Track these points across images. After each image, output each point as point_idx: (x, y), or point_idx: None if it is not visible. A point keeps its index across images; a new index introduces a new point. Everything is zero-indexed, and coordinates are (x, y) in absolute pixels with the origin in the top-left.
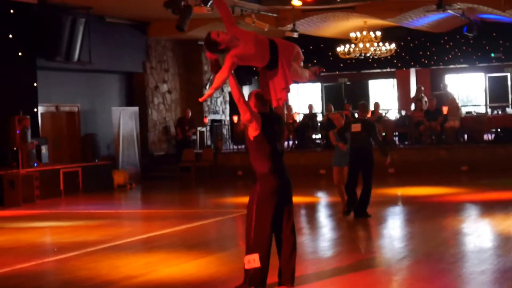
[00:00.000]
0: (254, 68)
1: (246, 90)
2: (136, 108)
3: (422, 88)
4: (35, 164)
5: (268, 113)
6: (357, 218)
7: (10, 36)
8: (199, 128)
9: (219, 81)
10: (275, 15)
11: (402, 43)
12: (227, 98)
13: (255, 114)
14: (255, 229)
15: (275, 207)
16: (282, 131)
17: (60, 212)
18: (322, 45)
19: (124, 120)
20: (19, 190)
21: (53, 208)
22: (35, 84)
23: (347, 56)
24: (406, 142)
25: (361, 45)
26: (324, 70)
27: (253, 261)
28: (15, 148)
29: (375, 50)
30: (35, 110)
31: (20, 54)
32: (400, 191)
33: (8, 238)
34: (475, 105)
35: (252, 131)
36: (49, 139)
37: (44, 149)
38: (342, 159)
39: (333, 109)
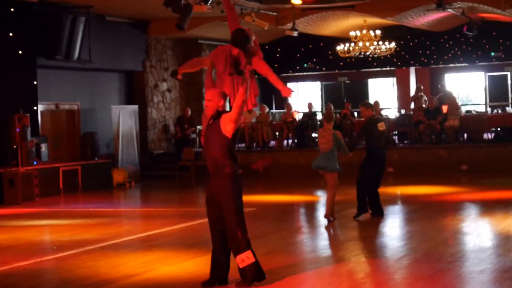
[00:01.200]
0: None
1: None
2: (135, 107)
3: (422, 87)
4: (35, 162)
5: None
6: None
7: (11, 34)
8: (198, 127)
9: (275, 76)
10: (275, 14)
11: (402, 42)
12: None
13: None
14: (241, 227)
15: None
16: None
17: (59, 210)
18: (321, 44)
19: (124, 118)
20: (18, 188)
21: (53, 206)
22: (35, 83)
23: (347, 55)
24: (405, 141)
25: (360, 43)
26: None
27: (247, 258)
28: (14, 146)
29: (374, 48)
30: (35, 108)
31: (20, 52)
32: (400, 190)
33: (7, 236)
34: (475, 104)
35: (231, 129)
36: (48, 138)
37: (43, 148)
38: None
39: (332, 107)
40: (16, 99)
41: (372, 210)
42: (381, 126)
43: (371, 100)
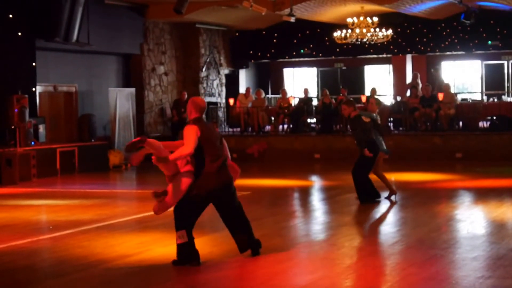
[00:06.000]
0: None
1: (243, 74)
2: (132, 90)
3: (419, 75)
4: (32, 143)
5: None
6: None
7: (10, 16)
8: None
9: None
10: None
11: (399, 29)
12: (223, 81)
13: None
14: None
15: None
16: None
17: (56, 190)
18: (318, 30)
19: (121, 101)
20: (16, 169)
21: (49, 186)
22: (33, 64)
23: (344, 41)
24: (400, 128)
25: (357, 30)
26: None
27: None
28: (13, 127)
29: (371, 35)
30: (34, 89)
31: (19, 34)
32: (394, 176)
33: (4, 215)
34: (471, 92)
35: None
36: (46, 119)
37: (41, 128)
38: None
39: (328, 93)
40: (14, 80)
41: (372, 196)
42: (365, 118)
43: (367, 87)
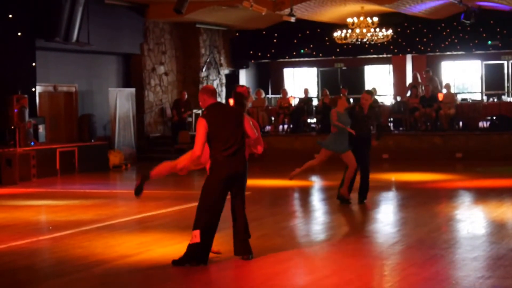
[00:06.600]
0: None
1: (243, 74)
2: (132, 90)
3: (418, 75)
4: (32, 143)
5: None
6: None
7: (10, 16)
8: (195, 111)
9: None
10: None
11: (399, 29)
12: (223, 81)
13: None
14: None
15: None
16: None
17: (56, 191)
18: (319, 30)
19: (121, 101)
20: (16, 169)
21: (49, 187)
22: (33, 64)
23: (344, 41)
24: (401, 128)
25: (357, 30)
26: None
27: None
28: (12, 127)
29: (371, 35)
30: (33, 89)
31: (19, 34)
32: (394, 176)
33: (4, 215)
34: (471, 92)
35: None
36: (46, 119)
37: (41, 129)
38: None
39: (328, 93)
40: (14, 80)
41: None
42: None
43: (368, 87)
